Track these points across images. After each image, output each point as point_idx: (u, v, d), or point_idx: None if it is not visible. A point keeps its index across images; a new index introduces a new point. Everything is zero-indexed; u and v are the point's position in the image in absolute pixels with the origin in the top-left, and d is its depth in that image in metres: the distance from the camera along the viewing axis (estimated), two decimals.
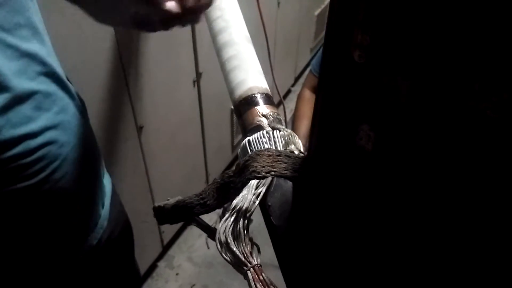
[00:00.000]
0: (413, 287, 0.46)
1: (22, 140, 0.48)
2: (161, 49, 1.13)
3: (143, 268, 1.43)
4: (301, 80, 2.49)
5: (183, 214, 0.54)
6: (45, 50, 0.52)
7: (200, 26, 1.23)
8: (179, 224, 1.60)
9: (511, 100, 0.33)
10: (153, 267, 1.53)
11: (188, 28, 1.22)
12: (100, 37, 0.91)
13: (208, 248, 1.60)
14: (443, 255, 0.43)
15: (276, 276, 0.50)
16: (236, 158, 1.92)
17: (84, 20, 0.74)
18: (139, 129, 1.14)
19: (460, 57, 0.34)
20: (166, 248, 1.57)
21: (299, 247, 0.48)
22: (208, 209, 0.52)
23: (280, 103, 1.53)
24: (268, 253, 0.53)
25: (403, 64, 0.39)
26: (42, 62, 0.51)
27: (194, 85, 1.34)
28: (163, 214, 0.55)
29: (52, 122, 0.52)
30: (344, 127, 0.48)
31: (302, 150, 0.53)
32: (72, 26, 0.83)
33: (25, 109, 0.48)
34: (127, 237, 0.84)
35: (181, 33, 1.20)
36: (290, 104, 2.30)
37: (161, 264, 1.55)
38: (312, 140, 0.53)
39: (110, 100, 1.00)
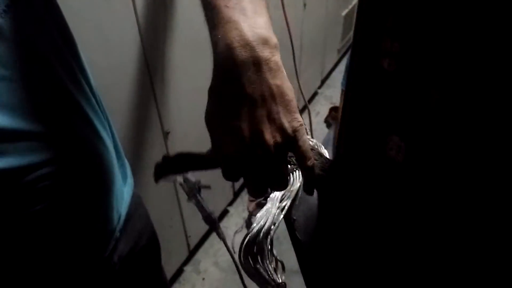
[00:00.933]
0: None
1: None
2: (187, 54, 1.13)
3: (169, 272, 1.44)
4: (328, 82, 2.46)
5: (185, 162, 0.50)
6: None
7: None
8: (205, 229, 1.60)
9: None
10: (179, 271, 1.53)
11: None
12: (126, 43, 0.92)
13: (234, 252, 1.60)
14: (476, 267, 0.40)
15: (299, 282, 0.49)
16: None
17: (109, 27, 0.74)
18: (166, 134, 1.14)
19: (494, 68, 0.32)
20: (192, 252, 1.57)
21: (325, 263, 0.46)
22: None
23: (305, 107, 1.50)
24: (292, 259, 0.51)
25: (434, 73, 0.37)
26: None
27: None
28: (165, 165, 0.50)
29: (52, 154, 0.47)
30: (373, 137, 0.46)
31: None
32: (98, 33, 0.84)
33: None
34: (153, 249, 0.83)
35: (206, 38, 1.20)
36: (316, 107, 2.27)
37: (188, 268, 1.55)
38: (339, 149, 0.51)
39: (136, 106, 1.01)
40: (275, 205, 0.47)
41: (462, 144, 0.37)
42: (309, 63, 2.07)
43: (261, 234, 0.45)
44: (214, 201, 1.58)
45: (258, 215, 0.47)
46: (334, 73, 2.50)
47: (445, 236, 0.41)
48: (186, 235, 1.45)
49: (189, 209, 1.40)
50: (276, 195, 0.49)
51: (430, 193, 0.42)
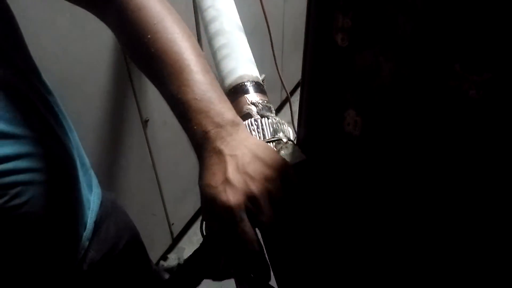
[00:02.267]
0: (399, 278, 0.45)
1: None
2: None
3: (153, 260, 1.45)
4: None
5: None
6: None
7: None
8: (189, 216, 1.62)
9: (493, 80, 0.32)
10: (163, 259, 1.55)
11: (192, 21, 1.22)
12: (101, 32, 0.92)
13: None
14: (424, 241, 0.42)
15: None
16: None
17: (85, 16, 0.75)
18: (145, 122, 1.15)
19: (441, 36, 0.34)
20: (176, 240, 1.59)
21: (289, 239, 0.48)
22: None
23: (287, 99, 1.51)
24: None
25: (385, 45, 0.38)
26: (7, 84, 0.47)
27: None
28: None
29: (14, 150, 0.48)
30: (331, 113, 0.47)
31: (291, 137, 0.53)
32: (74, 22, 0.84)
33: None
34: (134, 250, 0.82)
35: (187, 24, 1.20)
36: None
37: (172, 256, 1.57)
38: (300, 128, 0.53)
39: (113, 94, 1.01)
40: None
41: (414, 115, 0.39)
42: (292, 54, 2.08)
43: None
44: (197, 188, 1.60)
45: None
46: None
47: (402, 205, 0.43)
48: (169, 223, 1.47)
49: (172, 196, 1.41)
50: None
51: (388, 167, 0.44)
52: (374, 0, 0.37)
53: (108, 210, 0.70)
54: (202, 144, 0.45)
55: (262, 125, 0.52)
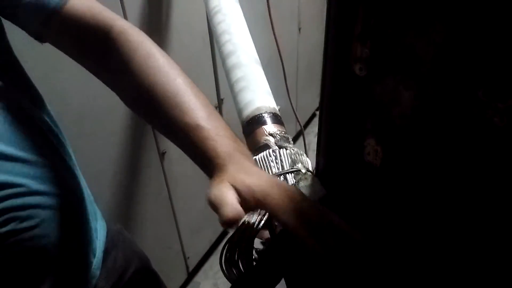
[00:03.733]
0: None
1: None
2: (184, 69, 1.15)
3: None
4: None
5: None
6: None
7: None
8: (205, 250, 1.59)
9: None
10: None
11: (208, 56, 1.25)
12: None
13: None
14: (452, 268, 0.40)
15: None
16: None
17: None
18: (162, 155, 1.16)
19: (462, 63, 0.33)
20: (191, 274, 1.56)
21: (308, 270, 0.46)
22: None
23: (300, 132, 1.52)
24: None
25: (404, 74, 0.38)
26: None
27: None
28: None
29: (24, 172, 0.48)
30: (350, 142, 0.47)
31: (309, 168, 0.52)
32: None
33: None
34: (144, 276, 0.81)
35: (202, 61, 1.23)
36: (315, 128, 2.29)
37: None
38: (319, 158, 0.52)
39: (131, 126, 1.03)
40: (257, 211, 0.48)
41: (436, 144, 0.38)
42: (306, 86, 2.10)
43: (244, 238, 0.45)
44: (213, 222, 1.58)
45: (240, 223, 0.48)
46: None
47: (428, 240, 0.42)
48: (184, 257, 1.45)
49: (188, 229, 1.39)
50: None
51: (409, 195, 0.42)
52: (393, 28, 0.37)
53: (114, 239, 0.70)
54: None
55: (280, 156, 0.52)
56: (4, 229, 0.47)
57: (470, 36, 0.32)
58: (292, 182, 0.49)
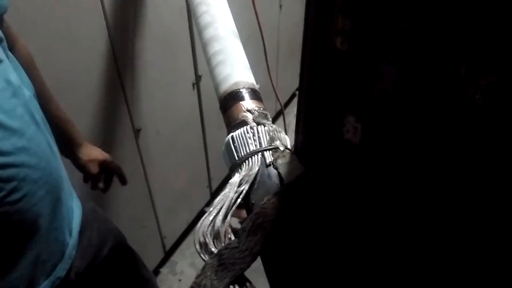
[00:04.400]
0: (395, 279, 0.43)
1: None
2: (159, 51, 1.11)
3: None
4: None
5: None
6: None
7: None
8: (182, 229, 1.58)
9: (500, 83, 0.31)
10: (155, 273, 1.50)
11: (185, 31, 1.21)
12: (93, 38, 0.90)
13: None
14: (427, 247, 0.40)
15: (263, 282, 0.48)
16: None
17: (77, 23, 0.73)
18: (136, 132, 1.12)
19: (446, 38, 0.32)
20: (168, 254, 1.55)
21: (285, 245, 0.46)
22: None
23: (280, 111, 1.50)
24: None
25: (387, 48, 0.37)
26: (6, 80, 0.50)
27: (193, 88, 1.33)
28: None
29: (8, 140, 0.49)
30: (329, 119, 0.45)
31: (288, 146, 0.51)
32: (66, 30, 0.82)
33: None
34: (120, 255, 0.81)
35: (179, 36, 1.19)
36: (294, 108, 2.27)
37: (164, 270, 1.53)
38: (298, 135, 0.51)
39: (105, 103, 0.99)
40: (233, 189, 0.47)
41: (417, 121, 0.37)
42: (288, 64, 2.08)
43: (217, 218, 0.44)
44: (190, 202, 1.57)
45: (216, 200, 0.47)
46: None
47: (403, 213, 0.41)
48: (161, 236, 1.43)
49: (164, 208, 1.37)
50: (235, 179, 0.48)
51: (388, 173, 0.42)
52: (376, 0, 0.36)
53: (89, 218, 0.71)
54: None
55: (258, 132, 0.50)
56: None
57: (455, 10, 0.30)
58: (270, 160, 0.48)
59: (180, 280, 1.51)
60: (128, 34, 1.00)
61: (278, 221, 0.43)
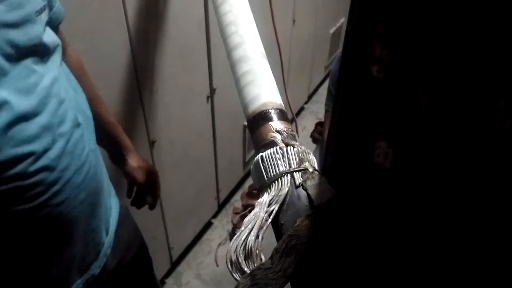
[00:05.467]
0: None
1: (23, 159, 0.47)
2: (176, 64, 1.13)
3: None
4: (315, 98, 2.49)
5: None
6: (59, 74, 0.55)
7: (215, 42, 1.24)
8: (189, 240, 1.58)
9: None
10: (161, 284, 1.50)
11: (203, 45, 1.23)
12: (116, 51, 0.91)
13: (217, 265, 1.58)
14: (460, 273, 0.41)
15: None
16: (247, 175, 1.90)
17: (100, 35, 0.75)
18: (152, 143, 1.14)
19: (485, 71, 0.33)
20: (174, 264, 1.55)
21: (313, 272, 0.46)
22: None
23: (292, 120, 1.52)
24: None
25: (424, 78, 0.38)
26: (52, 83, 0.52)
27: (207, 101, 1.34)
28: None
29: (56, 143, 0.51)
30: (360, 143, 0.46)
31: (316, 167, 0.52)
32: (89, 41, 0.83)
33: (30, 128, 0.48)
34: (143, 259, 0.82)
35: (197, 49, 1.21)
36: (302, 122, 2.29)
37: (169, 281, 1.52)
38: (327, 157, 0.52)
39: (123, 114, 1.00)
40: (263, 209, 0.47)
41: (450, 151, 0.38)
42: (297, 78, 2.10)
43: (250, 238, 0.45)
44: (198, 213, 1.57)
45: (246, 219, 0.47)
46: (320, 90, 2.53)
47: (438, 243, 0.42)
48: (169, 247, 1.43)
49: (173, 219, 1.38)
50: (264, 199, 0.49)
51: (418, 200, 0.42)
52: (415, 32, 0.37)
53: (122, 218, 0.71)
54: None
55: (287, 154, 0.51)
56: (36, 202, 0.49)
57: (495, 43, 0.31)
58: (300, 181, 0.49)
59: None
60: (149, 47, 1.02)
61: (311, 244, 0.43)
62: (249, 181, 1.90)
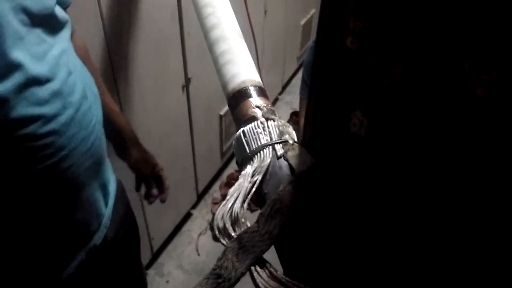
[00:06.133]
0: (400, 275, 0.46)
1: (34, 121, 0.50)
2: (151, 54, 1.13)
3: None
4: (289, 88, 2.52)
5: None
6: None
7: (189, 30, 1.24)
8: (169, 231, 1.59)
9: (501, 79, 0.34)
10: None
11: (177, 34, 1.23)
12: (90, 40, 0.91)
13: (199, 255, 1.59)
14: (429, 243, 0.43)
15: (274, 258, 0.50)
16: (225, 164, 1.92)
17: (73, 23, 0.74)
18: None
19: (450, 36, 0.36)
20: (155, 255, 1.55)
21: (296, 233, 0.48)
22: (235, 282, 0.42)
23: None
24: None
25: (395, 48, 0.40)
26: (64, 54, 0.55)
27: (183, 90, 1.34)
28: None
29: (65, 111, 0.53)
30: (337, 114, 0.49)
31: (296, 139, 0.54)
32: None
33: (42, 92, 0.50)
34: (133, 237, 0.83)
35: (170, 38, 1.21)
36: (278, 112, 2.31)
37: (151, 272, 1.52)
38: (306, 129, 0.54)
39: None
40: (247, 179, 0.49)
41: (422, 116, 0.40)
42: (270, 70, 2.12)
43: (236, 205, 0.47)
44: (177, 203, 1.57)
45: (231, 189, 0.49)
46: (294, 80, 2.57)
47: (407, 207, 0.44)
48: (149, 238, 1.43)
49: (152, 211, 1.38)
50: (248, 171, 0.51)
51: (393, 166, 0.45)
52: (385, 4, 0.39)
53: (118, 193, 0.74)
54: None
55: (268, 127, 0.53)
56: (45, 164, 0.52)
57: (459, 10, 0.34)
58: (281, 152, 0.51)
59: (167, 281, 1.51)
60: (123, 36, 1.01)
61: (294, 207, 0.46)
62: (227, 171, 1.91)
